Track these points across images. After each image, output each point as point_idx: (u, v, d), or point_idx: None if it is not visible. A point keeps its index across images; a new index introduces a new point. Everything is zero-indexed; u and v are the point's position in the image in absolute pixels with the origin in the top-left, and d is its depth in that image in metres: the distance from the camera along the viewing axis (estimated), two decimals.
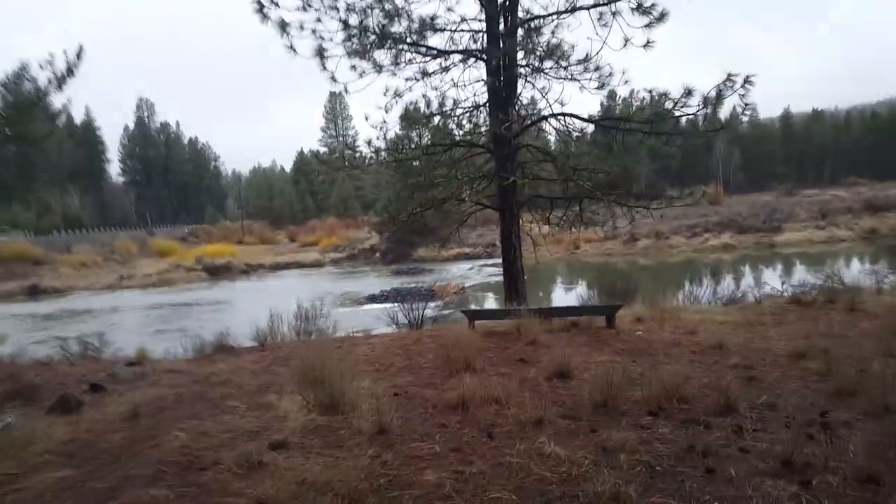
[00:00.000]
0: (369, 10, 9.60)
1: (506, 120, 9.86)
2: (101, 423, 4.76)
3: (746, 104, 9.18)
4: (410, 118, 10.78)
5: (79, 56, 4.96)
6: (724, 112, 9.83)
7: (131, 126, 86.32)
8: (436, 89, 10.46)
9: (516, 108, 10.59)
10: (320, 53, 9.71)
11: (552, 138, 12.57)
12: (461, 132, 11.07)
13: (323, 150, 64.17)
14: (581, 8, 9.62)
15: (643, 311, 8.57)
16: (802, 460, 3.30)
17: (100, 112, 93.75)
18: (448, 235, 13.24)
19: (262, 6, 9.23)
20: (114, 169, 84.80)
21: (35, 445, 4.17)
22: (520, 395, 4.76)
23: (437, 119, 10.76)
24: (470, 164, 11.31)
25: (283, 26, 9.41)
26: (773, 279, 15.24)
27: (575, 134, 11.08)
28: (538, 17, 10.04)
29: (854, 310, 7.99)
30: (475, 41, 10.48)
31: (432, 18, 9.85)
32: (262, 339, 9.12)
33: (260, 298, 25.82)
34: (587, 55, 9.65)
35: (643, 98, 9.92)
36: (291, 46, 9.60)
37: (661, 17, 9.07)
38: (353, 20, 9.57)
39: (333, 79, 9.98)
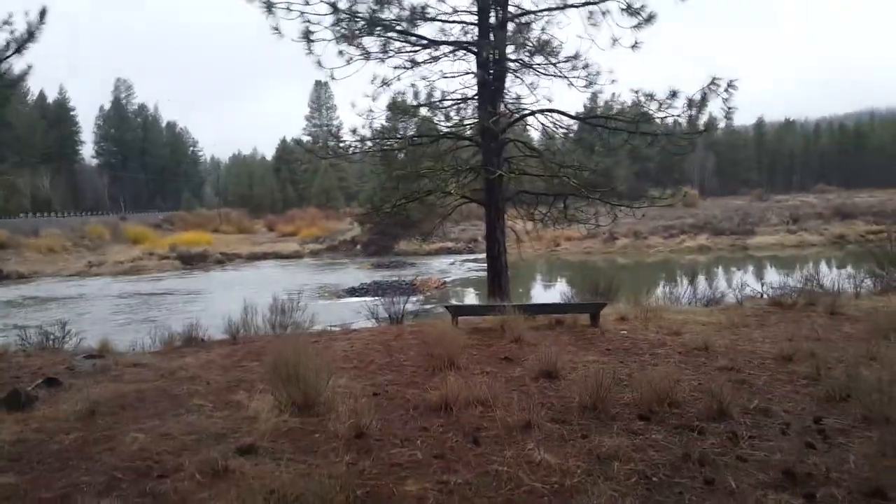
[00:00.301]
0: None
1: (494, 113, 9.69)
2: (53, 421, 4.39)
3: (730, 108, 9.28)
4: (397, 108, 10.49)
5: (41, 18, 4.55)
6: (706, 115, 9.99)
7: (107, 106, 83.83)
8: (424, 79, 10.25)
9: (504, 102, 10.43)
10: (307, 36, 9.39)
11: (538, 134, 12.45)
12: (448, 124, 10.84)
13: (307, 138, 63.20)
14: (571, 6, 9.56)
15: (626, 310, 8.44)
16: (804, 470, 3.17)
17: (75, 91, 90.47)
18: (431, 229, 13.00)
19: None
20: (87, 151, 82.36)
21: None
22: (506, 396, 4.53)
23: (424, 110, 10.53)
24: (456, 157, 11.09)
25: (269, 6, 9.04)
26: (751, 281, 15.33)
27: (561, 131, 11.00)
28: (529, 12, 9.93)
29: (834, 313, 7.98)
30: (466, 33, 10.29)
31: (423, 7, 9.65)
32: (235, 331, 8.73)
33: (235, 289, 25.25)
34: (576, 53, 9.62)
35: (629, 98, 9.93)
36: (277, 28, 9.25)
37: (650, 18, 9.10)
38: (343, 4, 9.31)
39: (320, 64, 9.68)
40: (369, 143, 10.78)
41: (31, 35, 4.59)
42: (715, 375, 5.04)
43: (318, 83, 79.18)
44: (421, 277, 24.66)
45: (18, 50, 4.59)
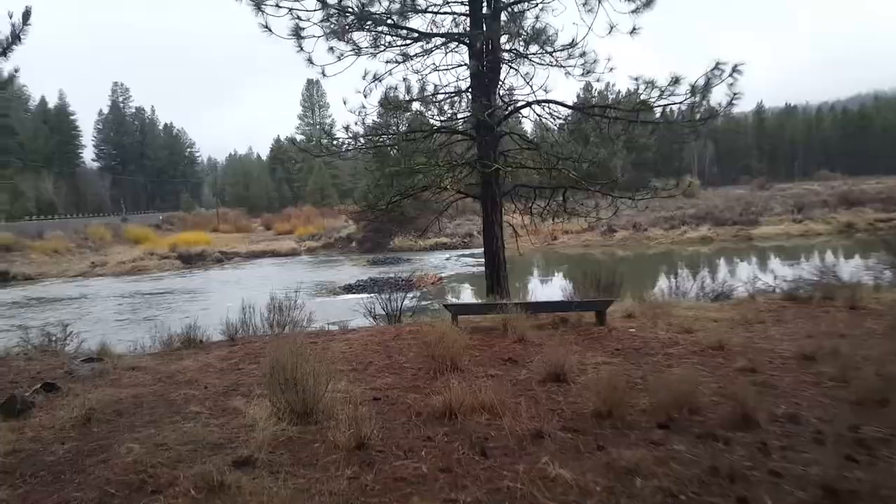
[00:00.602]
0: None
1: (489, 106, 9.52)
2: (49, 429, 4.28)
3: (735, 93, 9.07)
4: (390, 103, 10.34)
5: (25, 20, 4.39)
6: (709, 102, 9.83)
7: (106, 110, 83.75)
8: (417, 73, 10.08)
9: (499, 93, 10.26)
10: (297, 33, 9.22)
11: (534, 127, 12.30)
12: (442, 118, 10.68)
13: (300, 137, 62.91)
14: None
15: (633, 307, 8.28)
16: (847, 487, 2.89)
17: (74, 97, 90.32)
18: (427, 225, 12.87)
19: None
20: (88, 154, 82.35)
21: None
22: (513, 401, 4.38)
23: (417, 104, 10.38)
24: (451, 152, 10.94)
25: (258, 4, 8.85)
26: (760, 273, 15.11)
27: (558, 122, 10.84)
28: (523, 0, 9.68)
29: (855, 307, 7.65)
30: (458, 24, 10.11)
31: (413, 0, 9.42)
32: (233, 332, 8.65)
33: (234, 288, 25.13)
34: (573, 40, 9.41)
35: (627, 87, 9.74)
36: (266, 25, 9.06)
37: (648, 3, 8.90)
38: None
39: (311, 61, 9.52)
40: (362, 140, 10.66)
41: (15, 37, 4.43)
42: (734, 377, 4.81)
43: (309, 81, 79.15)
44: (417, 274, 24.47)
45: (3, 53, 4.43)
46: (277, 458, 3.60)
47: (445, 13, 9.87)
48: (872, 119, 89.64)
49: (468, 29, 9.77)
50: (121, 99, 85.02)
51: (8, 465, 3.63)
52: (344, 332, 8.56)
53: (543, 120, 10.49)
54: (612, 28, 9.14)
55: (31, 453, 3.82)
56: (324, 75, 9.65)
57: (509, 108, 10.30)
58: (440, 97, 10.29)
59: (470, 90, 10.03)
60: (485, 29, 9.50)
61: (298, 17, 9.07)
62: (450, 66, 10.11)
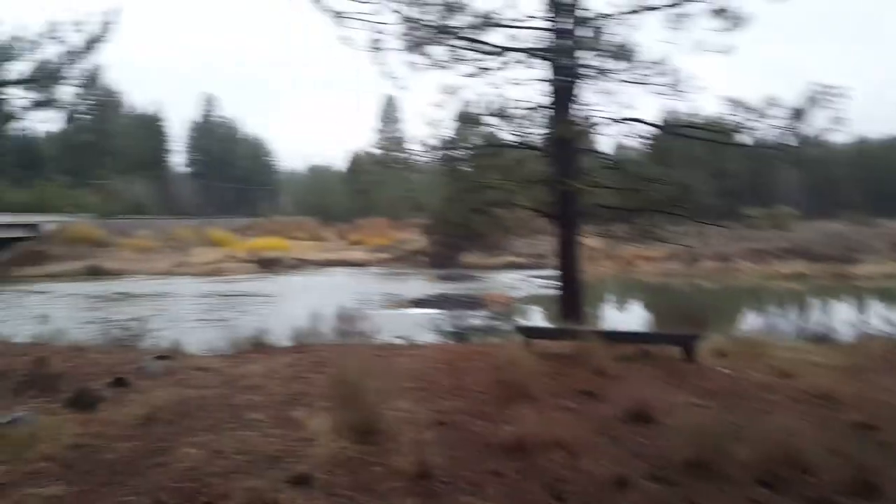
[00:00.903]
0: (428, 3, 9.13)
1: (568, 122, 9.16)
2: (113, 426, 4.27)
3: (837, 118, 8.43)
4: (465, 117, 10.21)
5: (112, 19, 4.53)
6: (807, 127, 9.21)
7: (195, 119, 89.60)
8: (494, 87, 9.84)
9: (579, 110, 9.89)
10: (375, 46, 9.28)
11: (613, 145, 11.80)
12: (518, 134, 10.37)
13: (375, 150, 64.47)
14: (653, 7, 8.90)
15: (724, 343, 7.57)
16: None
17: (168, 105, 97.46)
18: (498, 242, 12.58)
19: None
20: (177, 160, 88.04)
21: (37, 447, 3.69)
22: (591, 439, 3.97)
23: (493, 119, 10.13)
24: (526, 168, 10.60)
25: (338, 16, 9.01)
26: (866, 316, 13.65)
27: (641, 141, 10.33)
28: (607, 15, 9.34)
29: None
30: (538, 39, 9.83)
31: (492, 14, 9.29)
32: (300, 339, 8.65)
33: (305, 294, 25.70)
34: (659, 58, 8.98)
35: (716, 108, 9.22)
36: (346, 38, 9.21)
37: (741, 21, 8.36)
38: (412, 12, 9.10)
39: (387, 74, 9.56)
40: (436, 154, 10.55)
41: (102, 34, 4.56)
42: (847, 433, 4.20)
43: (386, 95, 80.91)
44: (486, 292, 24.08)
45: (89, 48, 4.57)
46: (335, 478, 3.36)
47: (525, 28, 9.64)
48: None
49: (549, 44, 9.48)
50: (210, 109, 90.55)
51: (69, 459, 3.61)
52: (410, 347, 8.37)
53: (625, 138, 10.07)
54: (699, 46, 8.65)
55: (93, 449, 3.79)
56: (401, 88, 9.68)
57: (588, 126, 9.88)
58: (517, 112, 10.00)
59: (548, 106, 9.70)
60: (566, 44, 9.19)
61: (378, 31, 9.15)
62: (528, 81, 9.85)
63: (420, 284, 31.09)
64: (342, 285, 29.82)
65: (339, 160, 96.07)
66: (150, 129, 79.84)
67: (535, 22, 9.58)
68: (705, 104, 9.90)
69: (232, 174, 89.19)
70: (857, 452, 3.43)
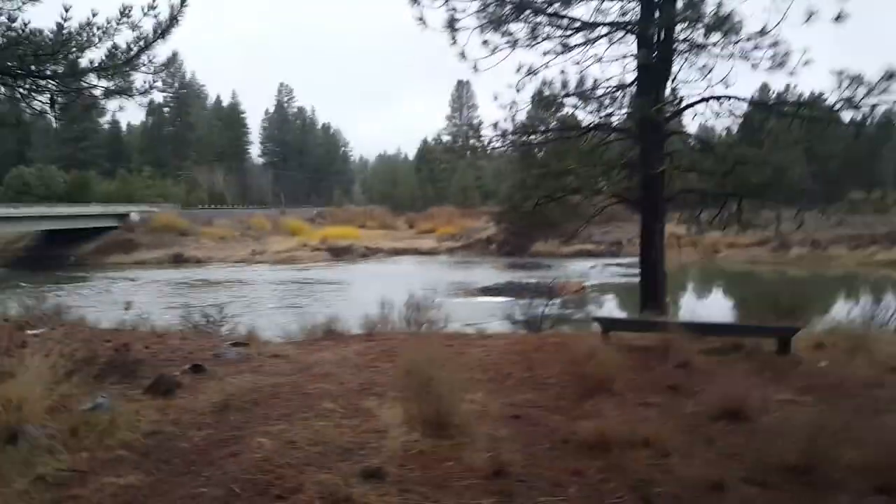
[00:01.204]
0: None
1: (657, 102, 8.56)
2: (189, 413, 4.34)
3: None
4: (544, 98, 9.75)
5: (183, 2, 4.55)
6: None
7: (272, 110, 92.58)
8: (577, 64, 9.34)
9: (670, 88, 9.24)
10: (451, 25, 9.05)
11: (700, 127, 10.98)
12: (601, 115, 9.82)
13: (447, 138, 64.40)
14: None
15: (821, 336, 6.91)
16: None
17: (245, 96, 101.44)
18: (574, 230, 12.06)
19: None
20: (254, 150, 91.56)
21: (117, 434, 3.77)
22: (680, 438, 3.63)
23: (574, 99, 9.63)
24: (608, 152, 10.07)
25: None
26: None
27: (735, 121, 9.55)
28: None
29: None
30: (625, 13, 9.24)
31: None
32: (371, 326, 8.67)
33: (375, 282, 26.17)
34: (763, 28, 8.17)
35: (823, 85, 8.33)
36: (421, 18, 9.02)
37: None
38: None
39: (463, 55, 9.32)
40: (511, 138, 10.19)
41: (174, 19, 4.59)
42: None
43: (459, 82, 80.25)
44: (559, 280, 23.53)
45: (162, 35, 4.61)
46: (408, 473, 3.23)
47: (613, 0, 9.10)
48: None
49: (638, 17, 8.90)
50: (285, 99, 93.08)
51: (147, 447, 3.65)
52: (481, 337, 8.19)
53: (716, 119, 9.32)
54: (810, 15, 7.82)
55: (169, 437, 3.84)
56: (475, 70, 9.38)
57: (681, 104, 9.23)
58: (600, 92, 9.46)
59: (636, 84, 9.11)
60: (658, 16, 8.57)
61: (454, 9, 8.91)
62: (614, 58, 9.30)
63: (489, 273, 30.90)
64: (411, 273, 30.15)
65: (409, 149, 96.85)
66: (229, 119, 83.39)
67: None
68: (807, 80, 9.01)
69: (306, 163, 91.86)
70: None
